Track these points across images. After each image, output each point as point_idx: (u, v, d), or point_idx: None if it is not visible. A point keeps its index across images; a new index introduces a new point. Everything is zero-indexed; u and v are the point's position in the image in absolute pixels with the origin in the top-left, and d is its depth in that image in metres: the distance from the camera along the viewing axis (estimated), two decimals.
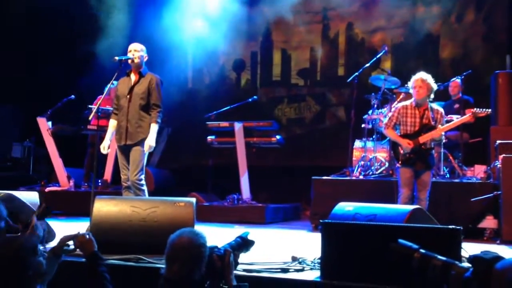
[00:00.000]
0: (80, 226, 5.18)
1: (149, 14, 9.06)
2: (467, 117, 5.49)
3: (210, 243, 2.62)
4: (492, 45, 8.16)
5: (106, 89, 5.40)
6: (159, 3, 8.88)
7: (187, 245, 2.48)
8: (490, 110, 5.56)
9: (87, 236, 2.84)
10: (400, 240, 2.42)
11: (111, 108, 5.50)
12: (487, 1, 8.24)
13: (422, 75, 5.29)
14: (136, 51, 5.13)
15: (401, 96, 6.73)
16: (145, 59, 5.20)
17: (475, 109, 5.51)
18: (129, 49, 5.18)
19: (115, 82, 5.36)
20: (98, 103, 5.25)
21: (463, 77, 6.83)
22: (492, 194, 5.52)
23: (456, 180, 6.20)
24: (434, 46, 8.57)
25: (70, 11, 8.91)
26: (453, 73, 7.33)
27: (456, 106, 6.81)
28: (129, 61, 5.12)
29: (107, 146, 5.17)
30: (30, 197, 4.78)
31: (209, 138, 7.63)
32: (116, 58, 5.08)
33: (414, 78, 5.31)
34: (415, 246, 2.36)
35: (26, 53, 9.28)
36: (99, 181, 7.59)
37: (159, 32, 8.50)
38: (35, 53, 9.27)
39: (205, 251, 2.51)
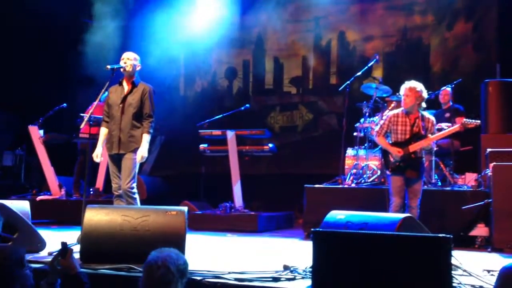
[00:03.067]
0: (71, 235, 5.17)
1: (141, 22, 9.08)
2: (456, 127, 5.48)
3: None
4: (482, 54, 8.23)
5: (99, 97, 5.39)
6: (151, 11, 8.91)
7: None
8: (479, 121, 5.55)
9: (70, 260, 2.82)
10: None
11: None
12: (477, 10, 8.32)
13: (410, 83, 5.30)
14: (129, 59, 5.13)
15: (392, 105, 6.77)
16: (138, 68, 5.18)
17: (465, 119, 5.51)
18: (122, 57, 5.18)
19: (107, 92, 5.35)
20: (90, 111, 5.24)
21: (453, 85, 6.89)
22: (483, 202, 5.55)
23: (448, 188, 6.22)
24: (425, 54, 8.64)
25: (63, 19, 8.91)
26: (443, 82, 7.38)
27: (447, 114, 6.85)
28: (121, 69, 5.11)
29: (100, 154, 5.14)
30: (21, 206, 4.76)
31: (202, 146, 7.63)
32: (108, 66, 5.08)
33: (403, 86, 5.34)
34: None
35: (18, 61, 9.25)
36: (91, 189, 7.56)
37: (151, 40, 8.52)
38: (26, 61, 9.24)
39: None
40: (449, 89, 6.99)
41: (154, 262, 2.42)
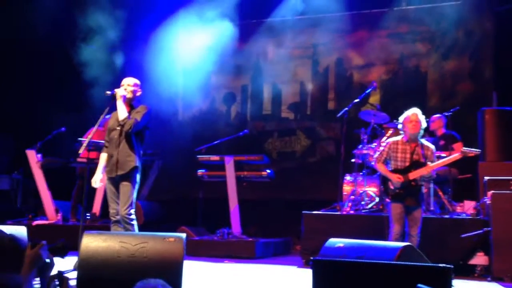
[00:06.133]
0: (68, 261, 5.11)
1: (140, 47, 9.15)
2: (456, 156, 5.48)
3: None
4: (478, 82, 8.30)
5: (98, 122, 5.39)
6: (150, 36, 8.99)
7: None
8: (479, 150, 5.57)
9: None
10: (420, 285, 2.40)
11: (102, 141, 5.48)
12: (474, 39, 8.42)
13: (417, 111, 5.34)
14: (129, 86, 5.15)
15: (390, 132, 6.80)
16: (138, 94, 5.20)
17: (464, 148, 5.52)
18: (122, 83, 5.21)
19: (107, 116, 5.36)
20: (89, 136, 5.24)
21: (451, 113, 6.93)
22: (482, 231, 5.53)
23: (446, 216, 6.20)
24: (422, 82, 8.71)
25: (62, 43, 8.97)
26: (440, 110, 7.42)
27: (442, 142, 6.86)
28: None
29: (99, 180, 5.12)
30: (17, 231, 4.70)
31: (200, 171, 7.62)
32: (108, 92, 5.11)
33: (410, 112, 5.33)
34: None
35: (15, 85, 9.27)
36: (88, 214, 7.50)
37: (149, 65, 8.58)
38: (24, 84, 9.27)
39: None
40: (437, 115, 7.03)
41: None
